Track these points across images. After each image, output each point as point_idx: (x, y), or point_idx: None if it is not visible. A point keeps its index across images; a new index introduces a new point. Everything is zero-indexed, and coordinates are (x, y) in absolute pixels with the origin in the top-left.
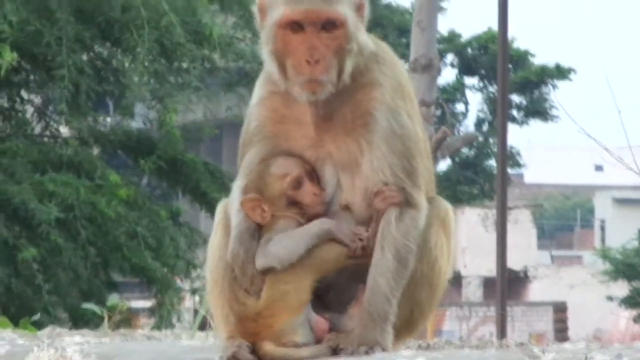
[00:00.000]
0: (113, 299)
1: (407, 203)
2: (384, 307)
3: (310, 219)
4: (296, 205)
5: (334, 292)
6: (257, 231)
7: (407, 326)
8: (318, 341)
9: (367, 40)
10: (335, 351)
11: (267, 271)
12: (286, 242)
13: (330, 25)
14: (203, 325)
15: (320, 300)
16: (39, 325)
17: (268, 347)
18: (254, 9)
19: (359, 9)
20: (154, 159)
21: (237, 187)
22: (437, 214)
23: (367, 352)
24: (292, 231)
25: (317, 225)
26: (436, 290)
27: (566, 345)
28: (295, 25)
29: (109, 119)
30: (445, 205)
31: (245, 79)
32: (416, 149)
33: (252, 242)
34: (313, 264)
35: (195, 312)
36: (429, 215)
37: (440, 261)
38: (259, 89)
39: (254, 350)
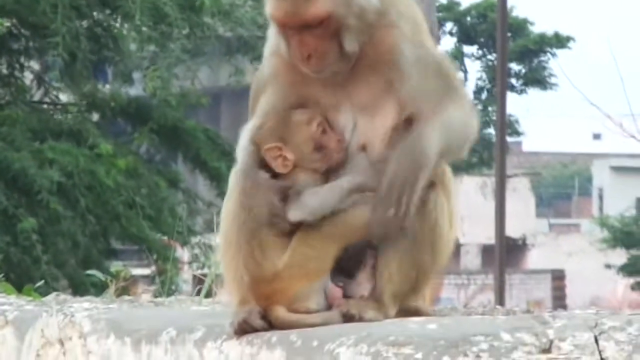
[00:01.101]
0: (116, 265)
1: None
2: (414, 151)
3: (329, 170)
4: (320, 151)
5: (346, 257)
6: (265, 171)
7: (412, 290)
8: (330, 308)
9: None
10: (346, 317)
11: (299, 224)
12: (319, 195)
13: (314, 23)
14: (207, 293)
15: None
16: (41, 293)
17: (280, 312)
18: None
19: None
20: (151, 127)
21: (248, 127)
22: (434, 174)
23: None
24: (323, 185)
25: (349, 180)
26: (439, 252)
27: (576, 311)
28: (280, 23)
29: (107, 86)
30: (442, 166)
31: (245, 46)
32: (449, 72)
33: (259, 175)
34: (341, 231)
35: (195, 278)
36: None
37: (441, 222)
38: (273, 38)
39: (264, 316)
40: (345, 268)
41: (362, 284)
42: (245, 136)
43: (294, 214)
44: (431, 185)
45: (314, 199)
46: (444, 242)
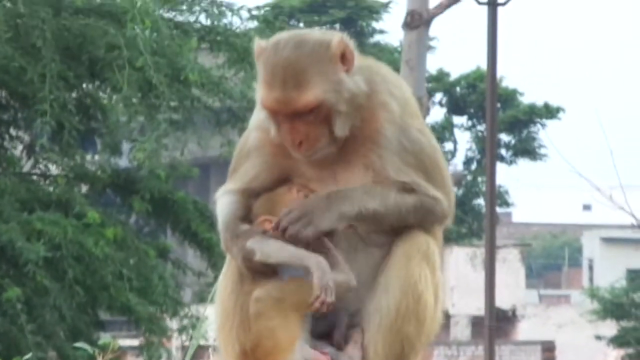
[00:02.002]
0: (105, 338)
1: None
2: (345, 199)
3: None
4: None
5: (331, 326)
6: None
7: None
8: None
9: (359, 83)
10: None
11: (249, 258)
12: (276, 245)
13: (305, 111)
14: None
15: (316, 333)
16: None
17: None
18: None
19: (342, 57)
20: (141, 198)
21: (226, 189)
22: (418, 248)
23: (300, 220)
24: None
25: (307, 256)
26: (424, 324)
27: None
28: (271, 111)
29: (97, 157)
30: (426, 238)
31: (234, 118)
32: (430, 161)
33: (239, 227)
34: (294, 300)
35: (183, 349)
36: (408, 249)
37: (426, 295)
38: (259, 113)
39: None
40: (332, 337)
41: (353, 357)
42: (227, 196)
43: (249, 244)
44: (413, 257)
45: (270, 244)
46: (429, 314)
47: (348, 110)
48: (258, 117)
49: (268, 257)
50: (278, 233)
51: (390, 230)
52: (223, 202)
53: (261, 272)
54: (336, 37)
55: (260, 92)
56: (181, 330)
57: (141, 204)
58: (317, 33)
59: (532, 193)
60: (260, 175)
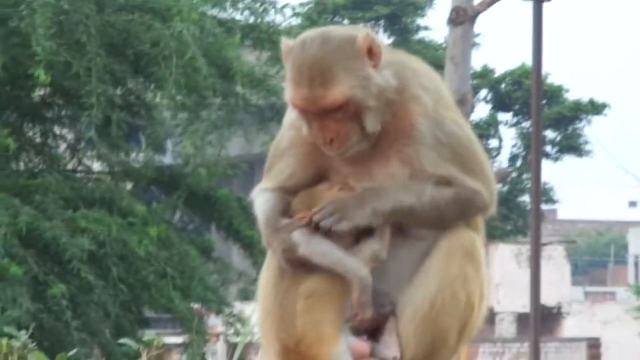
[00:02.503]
0: (149, 334)
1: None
2: (379, 195)
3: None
4: None
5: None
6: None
7: (428, 356)
8: None
9: (387, 78)
10: None
11: (291, 250)
12: (323, 246)
13: (333, 109)
14: None
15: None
16: None
17: None
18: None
19: (369, 52)
20: (182, 194)
21: (262, 187)
22: (460, 244)
23: (333, 214)
24: (334, 245)
25: (353, 263)
26: (459, 319)
27: None
28: (300, 109)
29: (141, 155)
30: (471, 235)
31: (278, 115)
32: (467, 153)
33: (279, 221)
34: (338, 291)
35: (229, 349)
36: (450, 245)
37: (463, 292)
38: (291, 112)
39: None
40: (369, 330)
41: (391, 348)
42: (264, 193)
43: (299, 244)
44: (454, 255)
45: (317, 244)
46: (466, 311)
47: (378, 105)
48: (291, 116)
49: (311, 254)
50: (311, 228)
51: (432, 226)
52: (261, 200)
53: (302, 266)
54: (362, 32)
55: (288, 91)
56: (226, 329)
57: (178, 201)
58: (343, 29)
59: (577, 190)
60: (295, 173)
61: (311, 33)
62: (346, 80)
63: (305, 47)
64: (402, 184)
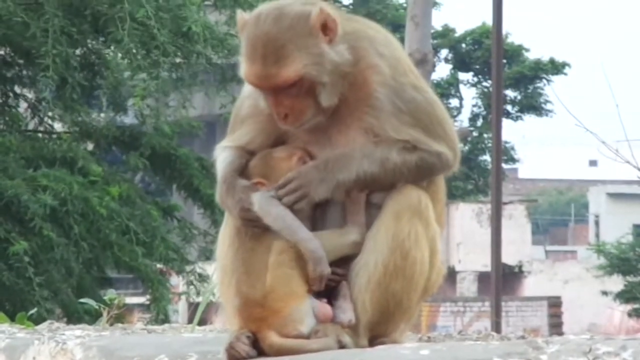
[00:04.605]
0: (110, 293)
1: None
2: (343, 167)
3: None
4: None
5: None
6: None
7: (385, 320)
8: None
9: (342, 52)
10: (341, 345)
11: (246, 209)
12: (278, 209)
13: (285, 86)
14: (202, 322)
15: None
16: (34, 321)
17: (274, 338)
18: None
19: (323, 27)
20: (143, 152)
21: (224, 145)
22: (408, 204)
23: (296, 191)
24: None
25: (304, 234)
26: (412, 280)
27: (570, 336)
28: (253, 85)
29: (102, 115)
30: (418, 193)
31: (238, 74)
32: (429, 116)
33: (237, 181)
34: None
35: (189, 307)
36: (397, 206)
37: (415, 252)
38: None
39: (256, 341)
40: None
41: (346, 312)
42: (226, 151)
43: (254, 204)
44: (402, 216)
45: (274, 211)
46: (417, 270)
47: (333, 80)
48: (248, 86)
49: (265, 216)
50: None
51: (393, 188)
52: (221, 157)
53: (258, 225)
54: (316, 7)
55: (242, 67)
56: (188, 285)
57: (139, 159)
58: (298, 5)
59: (538, 149)
60: (255, 139)
61: (266, 8)
62: (299, 59)
63: (259, 23)
64: (366, 152)
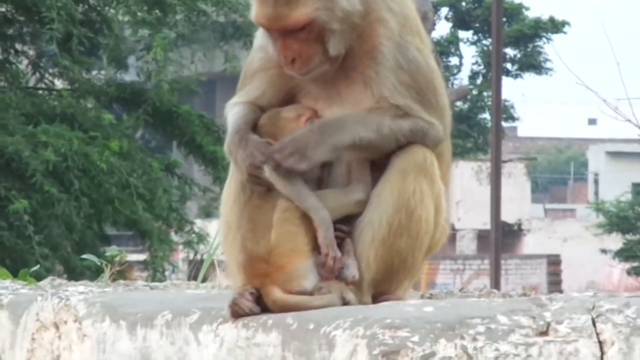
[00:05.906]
0: (112, 250)
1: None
2: (338, 130)
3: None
4: None
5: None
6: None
7: (389, 277)
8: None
9: (353, 1)
10: (345, 301)
11: (256, 167)
12: (294, 179)
13: (296, 28)
14: (204, 278)
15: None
16: (35, 278)
17: (278, 294)
18: None
19: None
20: (146, 109)
21: (235, 100)
22: (414, 162)
23: (293, 154)
24: (299, 178)
25: (313, 202)
26: (417, 239)
27: (573, 294)
28: (263, 28)
29: (103, 72)
30: (423, 151)
31: (239, 32)
32: (426, 82)
33: (250, 134)
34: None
35: (190, 264)
36: (403, 163)
37: (420, 210)
38: (261, 33)
39: (260, 298)
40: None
41: (350, 268)
42: (237, 106)
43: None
44: (408, 173)
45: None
46: (423, 228)
47: (342, 29)
48: (259, 37)
49: (275, 181)
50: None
51: (386, 155)
52: (233, 111)
53: (262, 184)
54: None
55: (253, 9)
56: (186, 244)
57: (141, 117)
58: None
59: (537, 107)
60: (265, 94)
61: None
62: (311, 1)
63: None
64: (361, 117)
